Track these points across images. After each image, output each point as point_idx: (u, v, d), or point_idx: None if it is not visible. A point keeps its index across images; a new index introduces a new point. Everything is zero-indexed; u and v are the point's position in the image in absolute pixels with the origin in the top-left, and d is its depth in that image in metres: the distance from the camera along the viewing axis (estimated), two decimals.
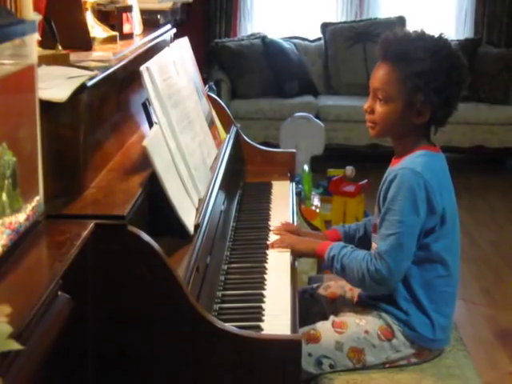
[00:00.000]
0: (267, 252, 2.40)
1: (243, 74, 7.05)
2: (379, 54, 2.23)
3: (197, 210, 2.18)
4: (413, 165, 2.15)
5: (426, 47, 2.15)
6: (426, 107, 2.16)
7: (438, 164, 2.22)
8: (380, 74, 2.21)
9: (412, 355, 2.24)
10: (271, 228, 2.60)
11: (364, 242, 2.45)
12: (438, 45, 2.18)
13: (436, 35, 2.21)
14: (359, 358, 2.23)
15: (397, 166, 2.20)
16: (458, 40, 7.18)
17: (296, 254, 2.41)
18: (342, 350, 2.22)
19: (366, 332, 2.23)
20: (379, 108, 2.21)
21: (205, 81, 3.46)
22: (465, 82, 2.20)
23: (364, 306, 2.33)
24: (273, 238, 2.51)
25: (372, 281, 2.15)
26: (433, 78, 2.13)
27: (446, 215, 2.17)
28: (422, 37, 2.20)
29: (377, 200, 2.25)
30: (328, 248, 2.28)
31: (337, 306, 2.45)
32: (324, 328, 2.26)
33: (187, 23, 6.98)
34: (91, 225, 1.65)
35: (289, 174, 3.16)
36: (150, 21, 3.08)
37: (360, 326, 2.24)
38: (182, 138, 2.22)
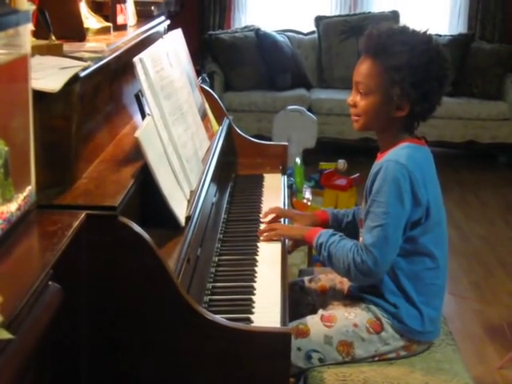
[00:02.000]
0: (258, 244, 2.41)
1: (236, 67, 7.05)
2: (362, 48, 2.24)
3: (188, 201, 2.18)
4: (397, 157, 2.16)
5: (405, 41, 2.15)
6: (404, 101, 2.16)
7: (421, 156, 2.22)
8: (361, 68, 2.22)
9: (401, 348, 2.25)
10: (262, 221, 2.61)
11: (351, 228, 2.47)
12: (418, 39, 2.17)
13: (420, 30, 2.20)
14: (348, 352, 2.24)
15: (381, 159, 2.20)
16: (451, 35, 7.20)
17: (288, 241, 2.43)
18: (331, 343, 2.23)
19: (355, 325, 2.24)
20: (360, 101, 2.22)
21: (198, 73, 3.46)
22: (446, 77, 2.19)
23: (353, 299, 2.33)
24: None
25: (358, 272, 2.16)
26: (410, 72, 2.12)
27: (430, 208, 2.18)
28: (403, 31, 2.20)
29: (364, 194, 2.26)
30: (317, 235, 2.28)
31: (326, 299, 2.46)
32: (313, 322, 2.26)
33: (181, 15, 6.97)
34: (82, 215, 1.65)
35: (281, 167, 3.16)
36: (144, 12, 3.08)
37: (349, 319, 2.25)
38: (174, 130, 2.22)
